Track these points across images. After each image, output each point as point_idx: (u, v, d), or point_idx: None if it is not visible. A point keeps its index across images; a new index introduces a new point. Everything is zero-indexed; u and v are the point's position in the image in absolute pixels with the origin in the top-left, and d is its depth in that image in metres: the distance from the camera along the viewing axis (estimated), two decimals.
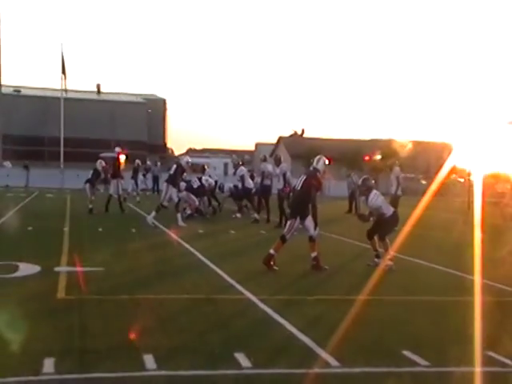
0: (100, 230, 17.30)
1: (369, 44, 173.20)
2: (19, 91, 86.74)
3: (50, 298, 8.52)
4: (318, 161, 12.03)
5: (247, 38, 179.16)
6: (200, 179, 22.09)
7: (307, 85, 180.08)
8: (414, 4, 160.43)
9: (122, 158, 24.19)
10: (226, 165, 59.38)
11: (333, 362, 6.09)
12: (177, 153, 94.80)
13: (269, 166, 21.26)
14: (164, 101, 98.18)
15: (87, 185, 23.11)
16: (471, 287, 9.99)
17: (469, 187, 33.82)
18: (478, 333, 7.07)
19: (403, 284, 10.70)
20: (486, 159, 32.63)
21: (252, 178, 24.09)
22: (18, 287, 9.19)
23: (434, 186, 20.18)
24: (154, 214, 18.36)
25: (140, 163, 34.14)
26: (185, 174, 19.99)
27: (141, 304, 8.40)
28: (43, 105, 79.39)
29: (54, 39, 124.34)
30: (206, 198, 22.70)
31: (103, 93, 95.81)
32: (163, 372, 5.66)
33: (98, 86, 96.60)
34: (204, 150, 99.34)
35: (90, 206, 22.13)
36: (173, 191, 18.63)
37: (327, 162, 12.17)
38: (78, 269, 10.71)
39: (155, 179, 38.37)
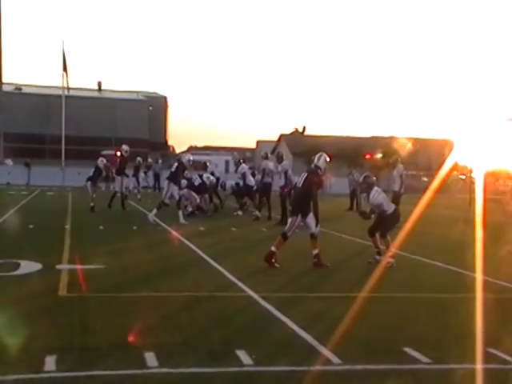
0: (101, 227, 17.31)
1: (369, 41, 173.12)
2: (20, 89, 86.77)
3: (52, 295, 8.53)
4: (319, 158, 12.03)
5: (249, 35, 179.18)
6: (201, 176, 22.08)
7: (308, 82, 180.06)
8: (415, 2, 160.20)
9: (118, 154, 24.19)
10: (227, 162, 59.31)
11: (334, 359, 6.09)
12: (178, 150, 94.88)
13: (270, 164, 21.25)
14: (165, 98, 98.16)
15: (88, 183, 23.12)
16: (472, 284, 9.98)
17: (470, 184, 33.84)
18: (479, 330, 7.07)
19: (404, 281, 10.70)
20: (486, 156, 32.66)
21: (253, 175, 24.09)
22: (19, 285, 9.20)
23: (435, 184, 20.18)
24: (155, 211, 18.37)
25: (141, 161, 34.16)
26: (186, 171, 20.00)
27: (142, 301, 8.41)
28: (44, 102, 79.38)
29: (55, 36, 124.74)
30: (207, 196, 22.69)
31: (104, 90, 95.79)
32: (164, 369, 5.66)
33: (99, 84, 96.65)
34: (205, 148, 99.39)
35: (92, 204, 22.14)
36: (174, 189, 18.64)
37: (328, 159, 12.18)
38: (80, 266, 10.72)
39: (156, 177, 38.38)
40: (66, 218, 19.61)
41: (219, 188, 24.30)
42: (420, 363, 6.12)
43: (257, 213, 20.99)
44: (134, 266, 11.27)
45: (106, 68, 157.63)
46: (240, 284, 9.65)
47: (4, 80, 74.32)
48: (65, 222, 17.99)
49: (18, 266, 10.58)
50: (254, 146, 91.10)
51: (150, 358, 5.89)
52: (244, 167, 22.83)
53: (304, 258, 11.80)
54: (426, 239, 16.39)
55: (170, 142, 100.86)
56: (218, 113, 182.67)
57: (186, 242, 14.40)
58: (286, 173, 19.45)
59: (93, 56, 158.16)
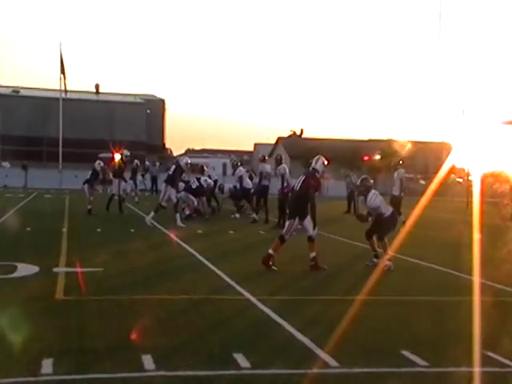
0: (99, 230, 17.29)
1: (366, 44, 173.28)
2: (18, 91, 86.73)
3: (49, 298, 8.51)
4: (317, 161, 12.05)
5: (247, 38, 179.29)
6: (199, 179, 22.08)
7: (306, 85, 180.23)
8: (411, 5, 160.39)
9: (117, 156, 24.16)
10: (224, 165, 59.41)
11: (332, 362, 6.08)
12: (176, 153, 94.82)
13: (267, 167, 21.26)
14: (163, 101, 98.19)
15: (86, 185, 23.07)
16: (470, 287, 9.97)
17: (467, 187, 33.87)
18: (476, 333, 7.07)
19: (402, 284, 10.69)
20: (482, 159, 32.70)
21: (251, 178, 24.10)
22: (16, 288, 9.18)
23: (432, 186, 20.20)
24: (152, 214, 18.36)
25: (139, 163, 34.10)
26: (183, 174, 20.00)
27: (139, 304, 8.40)
28: (42, 105, 79.36)
29: (52, 39, 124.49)
30: (204, 199, 22.68)
31: (102, 93, 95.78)
32: (162, 372, 5.65)
33: (97, 86, 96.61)
34: (203, 151, 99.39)
35: (89, 207, 22.11)
36: (171, 191, 18.63)
37: (326, 162, 12.19)
38: (77, 269, 10.70)
39: (154, 179, 38.33)
40: (63, 220, 19.58)
41: (217, 191, 24.30)
42: (418, 366, 6.12)
43: (254, 215, 20.98)
44: (132, 269, 11.26)
45: (104, 71, 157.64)
46: (237, 287, 9.64)
47: (2, 83, 74.38)
48: (62, 225, 17.96)
49: (14, 268, 10.55)
50: (251, 148, 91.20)
51: (148, 360, 5.88)
52: (241, 170, 22.84)
53: (301, 260, 11.79)
54: (423, 242, 16.39)
55: (167, 145, 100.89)
56: (215, 116, 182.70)
57: (184, 245, 14.39)
58: (282, 176, 19.42)
59: (91, 58, 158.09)
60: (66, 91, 50.13)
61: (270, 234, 16.22)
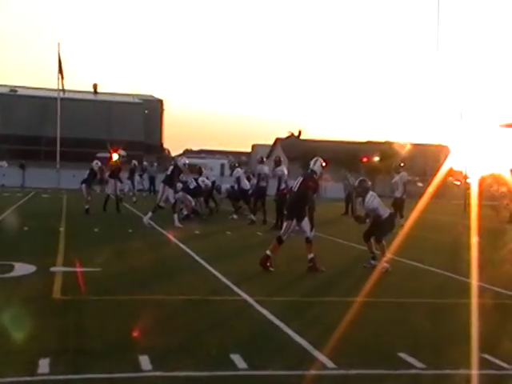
0: (96, 230, 17.27)
1: (365, 47, 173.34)
2: (16, 91, 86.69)
3: (46, 298, 8.50)
4: (315, 163, 12.07)
5: (244, 39, 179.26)
6: (196, 180, 22.07)
7: (305, 87, 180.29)
8: (411, 9, 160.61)
9: (115, 156, 24.15)
10: (222, 166, 59.46)
11: (329, 363, 6.08)
12: (173, 153, 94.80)
13: (265, 168, 21.26)
14: (161, 101, 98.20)
15: (83, 185, 23.06)
16: (467, 290, 9.98)
17: (465, 190, 33.89)
18: (474, 335, 7.07)
19: (399, 286, 10.69)
20: (480, 161, 32.73)
21: (248, 179, 24.07)
22: (13, 287, 9.17)
23: (430, 189, 20.23)
24: (150, 214, 18.34)
25: (137, 163, 34.08)
26: (181, 174, 20.00)
27: (136, 305, 8.39)
28: (40, 105, 79.36)
29: (51, 39, 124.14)
30: (202, 199, 22.67)
31: (100, 93, 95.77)
32: (159, 373, 5.64)
33: (95, 86, 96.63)
34: (201, 151, 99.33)
35: (87, 207, 22.08)
36: (169, 192, 18.62)
37: (324, 164, 12.21)
38: (74, 269, 10.69)
39: (152, 180, 38.29)
40: (60, 220, 19.57)
41: (214, 191, 24.30)
42: (415, 368, 6.12)
43: (252, 216, 20.96)
44: (129, 269, 11.25)
45: (102, 70, 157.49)
46: (235, 288, 9.63)
47: None
48: (59, 225, 17.95)
49: (12, 268, 10.54)
50: (249, 149, 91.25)
51: (145, 361, 5.88)
52: (239, 171, 22.83)
53: (299, 262, 11.78)
54: (421, 244, 16.39)
55: (165, 145, 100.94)
56: (213, 116, 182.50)
57: (181, 246, 14.38)
58: (279, 178, 19.39)
59: (89, 58, 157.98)
60: (63, 91, 50.08)
61: (268, 235, 16.20)
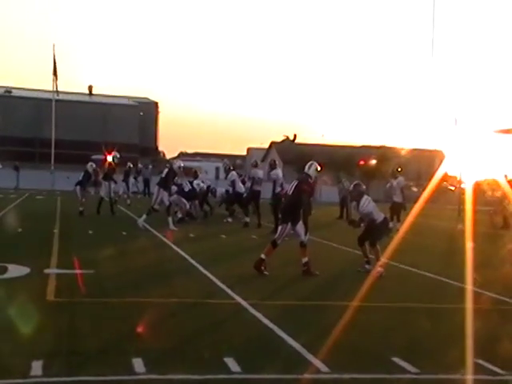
0: (90, 232, 17.24)
1: (359, 52, 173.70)
2: (10, 92, 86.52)
3: (40, 300, 8.47)
4: (310, 166, 12.09)
5: (240, 41, 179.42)
6: (191, 183, 22.07)
7: (300, 91, 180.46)
8: (406, 15, 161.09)
9: (109, 158, 24.13)
10: (217, 169, 59.36)
11: (323, 367, 6.08)
12: (168, 156, 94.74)
13: (259, 172, 21.32)
14: (156, 104, 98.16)
15: (78, 187, 23.04)
16: (461, 295, 10.00)
17: (459, 195, 33.91)
18: (468, 341, 7.08)
19: (394, 291, 10.70)
20: (475, 167, 32.78)
21: (243, 182, 24.06)
22: (6, 289, 9.14)
23: (425, 194, 20.25)
24: (144, 217, 18.32)
25: (132, 166, 34.06)
26: (176, 177, 19.99)
27: (130, 307, 8.37)
28: (35, 106, 79.25)
29: (46, 40, 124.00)
30: (197, 202, 22.66)
31: (95, 95, 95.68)
32: (152, 376, 5.64)
33: (90, 88, 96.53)
34: (196, 154, 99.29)
35: (81, 209, 22.06)
36: (164, 194, 18.61)
37: (319, 168, 12.23)
38: (68, 271, 10.67)
39: (146, 182, 38.27)
40: (54, 222, 19.52)
41: (209, 194, 24.30)
42: (408, 373, 6.12)
43: (246, 219, 21.00)
44: (123, 272, 11.23)
45: (98, 72, 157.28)
46: (229, 291, 9.63)
47: None
48: (53, 226, 17.91)
49: (5, 269, 10.51)
50: (244, 152, 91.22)
51: (138, 363, 5.87)
52: (234, 174, 22.82)
53: (293, 266, 11.78)
54: (415, 249, 16.40)
55: (160, 148, 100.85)
56: (208, 119, 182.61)
57: (176, 248, 14.36)
58: (274, 181, 19.39)
59: (84, 60, 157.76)
60: (57, 92, 50.05)
61: (263, 238, 16.22)
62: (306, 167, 12.15)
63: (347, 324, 7.76)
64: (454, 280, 11.50)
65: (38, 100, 77.93)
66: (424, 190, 21.38)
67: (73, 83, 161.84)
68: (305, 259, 11.46)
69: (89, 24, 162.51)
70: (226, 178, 24.20)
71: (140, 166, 40.87)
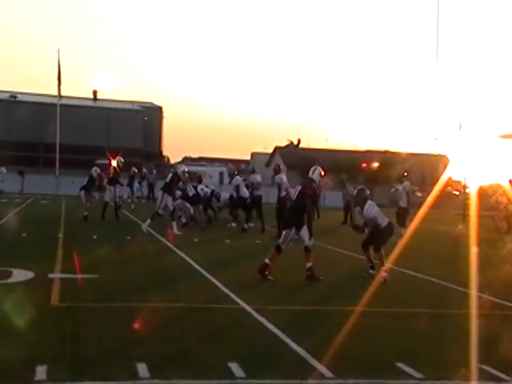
0: (95, 237, 17.25)
1: (362, 56, 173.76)
2: (15, 97, 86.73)
3: (44, 304, 8.49)
4: (314, 171, 12.10)
5: (245, 47, 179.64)
6: (195, 188, 22.09)
7: (305, 95, 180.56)
8: (412, 16, 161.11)
9: (114, 163, 24.17)
10: (221, 173, 59.37)
11: (327, 373, 6.07)
12: (172, 161, 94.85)
13: (257, 177, 21.62)
14: (160, 108, 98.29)
15: (82, 192, 23.07)
16: (466, 300, 9.96)
17: (464, 200, 33.89)
18: (472, 346, 7.05)
19: (398, 296, 10.69)
20: (479, 172, 32.77)
21: (247, 187, 24.09)
22: (11, 293, 9.15)
23: (430, 199, 20.24)
24: (149, 221, 18.34)
25: (136, 171, 34.10)
26: (180, 182, 20.01)
27: (134, 312, 8.36)
28: (39, 111, 79.42)
29: (51, 45, 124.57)
30: (201, 207, 22.68)
31: (100, 99, 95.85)
32: (156, 381, 5.63)
33: (95, 93, 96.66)
34: (200, 159, 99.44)
35: (85, 213, 22.09)
36: (168, 199, 18.63)
37: (323, 172, 12.24)
38: (72, 276, 10.68)
39: (150, 187, 38.29)
40: (59, 226, 19.56)
41: (213, 199, 24.32)
42: (412, 379, 6.11)
43: (245, 225, 21.11)
44: (127, 276, 11.24)
45: (102, 77, 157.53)
46: (233, 296, 9.62)
47: None
48: (58, 231, 17.94)
49: (10, 274, 10.53)
50: (248, 157, 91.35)
51: (142, 368, 5.87)
52: (238, 179, 22.86)
53: (297, 271, 11.77)
54: (420, 254, 16.37)
55: (164, 153, 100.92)
56: (213, 124, 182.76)
57: (180, 253, 14.37)
58: (279, 185, 19.44)
59: (89, 65, 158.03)
60: (60, 97, 50.17)
61: (267, 243, 16.22)
62: (310, 172, 12.16)
63: (351, 329, 7.74)
64: (459, 285, 11.47)
65: (42, 105, 78.07)
66: (428, 194, 21.38)
67: (78, 88, 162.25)
68: (309, 264, 11.45)
69: (93, 29, 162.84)
70: (230, 182, 24.24)
71: (144, 170, 40.89)
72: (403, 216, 20.72)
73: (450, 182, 41.78)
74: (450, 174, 36.29)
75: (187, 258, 13.55)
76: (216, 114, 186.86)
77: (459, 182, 43.62)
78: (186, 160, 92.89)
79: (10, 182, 43.34)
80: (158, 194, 19.76)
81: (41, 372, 5.67)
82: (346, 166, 54.12)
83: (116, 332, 7.33)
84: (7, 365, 5.92)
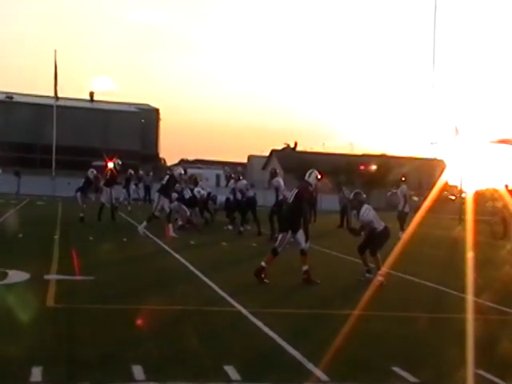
0: (91, 238, 17.23)
1: (359, 60, 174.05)
2: (12, 97, 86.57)
3: (39, 306, 8.47)
4: (310, 174, 12.12)
5: (241, 50, 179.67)
6: (192, 190, 22.09)
7: (301, 98, 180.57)
8: (409, 20, 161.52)
9: (110, 165, 24.16)
10: (218, 176, 59.37)
11: (322, 376, 6.06)
12: (169, 163, 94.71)
13: (243, 182, 22.32)
14: (157, 110, 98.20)
15: (79, 193, 23.06)
16: (462, 305, 9.97)
17: (460, 204, 33.95)
18: (468, 351, 7.05)
19: (394, 300, 10.69)
20: (476, 176, 32.85)
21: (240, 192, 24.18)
22: (6, 294, 9.12)
23: (426, 203, 20.27)
24: (145, 223, 18.33)
25: (133, 172, 34.08)
26: (177, 184, 20.02)
27: (130, 314, 8.35)
28: (36, 112, 79.29)
29: (47, 46, 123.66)
30: (197, 210, 22.69)
31: (96, 101, 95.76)
32: (152, 383, 5.62)
33: (92, 94, 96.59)
34: (196, 161, 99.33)
35: (81, 215, 22.07)
36: (165, 201, 18.62)
37: (319, 176, 12.25)
38: (68, 277, 10.67)
39: (147, 189, 38.31)
40: (55, 228, 19.52)
41: (210, 202, 24.32)
42: (408, 383, 6.11)
43: (241, 228, 21.17)
44: (123, 278, 11.23)
45: (99, 79, 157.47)
46: (229, 299, 9.62)
47: None
48: (54, 233, 17.91)
49: (5, 275, 10.51)
50: (245, 160, 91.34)
51: (138, 371, 5.86)
52: (243, 183, 22.96)
53: (294, 274, 11.78)
54: (416, 258, 16.38)
55: (161, 155, 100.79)
56: (210, 126, 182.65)
57: (176, 256, 14.36)
58: (276, 188, 19.47)
59: (86, 66, 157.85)
60: (57, 98, 50.16)
61: (263, 246, 16.22)
62: (307, 175, 12.18)
63: (348, 333, 7.73)
64: (455, 290, 11.49)
65: (39, 106, 77.95)
66: (425, 199, 21.40)
67: (74, 89, 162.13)
68: (305, 267, 11.45)
69: (90, 30, 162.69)
70: (226, 185, 24.30)
71: (141, 172, 40.91)
72: (403, 220, 20.82)
73: (446, 187, 41.86)
74: (446, 178, 36.30)
75: (183, 261, 13.54)
76: (213, 117, 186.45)
77: (455, 187, 43.71)
78: (183, 162, 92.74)
79: (5, 183, 43.23)
80: (155, 196, 19.77)
81: (36, 373, 5.66)
82: (342, 169, 54.19)
83: (111, 334, 7.32)
84: (3, 365, 5.91)
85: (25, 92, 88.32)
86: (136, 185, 37.62)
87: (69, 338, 7.01)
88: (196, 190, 22.48)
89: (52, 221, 22.05)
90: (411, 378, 6.19)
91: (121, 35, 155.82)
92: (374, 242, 12.05)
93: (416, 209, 19.74)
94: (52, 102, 50.17)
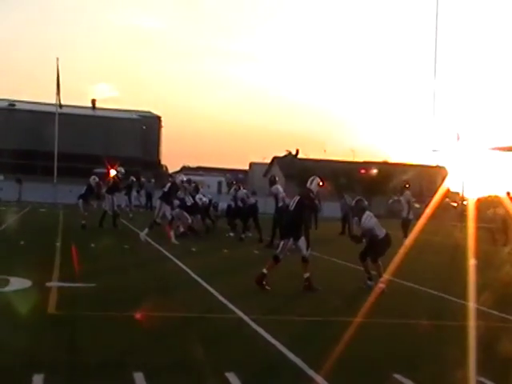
0: (92, 245, 17.24)
1: (361, 68, 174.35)
2: (14, 105, 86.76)
3: (41, 313, 8.47)
4: (312, 181, 12.12)
5: (242, 55, 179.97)
6: (194, 197, 22.12)
7: (304, 105, 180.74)
8: (411, 25, 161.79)
9: (112, 172, 24.21)
10: (219, 183, 59.48)
11: (323, 383, 6.06)
12: (171, 170, 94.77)
13: (243, 192, 22.47)
14: (159, 118, 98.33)
15: (80, 200, 23.09)
16: (463, 312, 9.97)
17: (462, 211, 33.89)
18: (470, 358, 7.05)
19: (395, 307, 10.68)
20: (477, 184, 32.84)
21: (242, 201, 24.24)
22: (8, 301, 9.12)
23: (428, 210, 20.27)
24: (146, 230, 18.35)
25: (134, 179, 34.13)
26: (179, 191, 20.06)
27: (131, 321, 8.36)
28: (38, 119, 79.37)
29: (50, 53, 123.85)
30: (199, 216, 22.71)
31: (98, 108, 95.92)
32: None
33: (93, 102, 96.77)
34: (198, 168, 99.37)
35: (83, 222, 22.08)
36: (166, 208, 18.65)
37: (321, 183, 12.25)
38: (70, 284, 10.67)
39: (149, 196, 38.35)
40: (56, 235, 19.53)
41: (211, 209, 24.36)
42: None
43: (242, 234, 21.21)
44: (125, 285, 11.22)
45: (101, 86, 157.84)
46: (230, 305, 9.62)
47: None
48: (56, 240, 17.91)
49: (7, 282, 10.51)
50: (247, 167, 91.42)
51: (139, 378, 5.85)
52: (243, 192, 23.03)
53: (295, 281, 11.77)
54: (418, 266, 16.37)
55: (162, 162, 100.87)
56: (211, 133, 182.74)
57: (177, 262, 14.36)
58: (275, 196, 19.50)
59: (87, 74, 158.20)
60: (60, 105, 50.27)
61: (264, 253, 16.21)
62: (308, 182, 12.18)
63: (349, 340, 7.73)
64: (457, 297, 11.47)
65: (41, 113, 78.07)
66: (427, 206, 21.41)
67: (76, 97, 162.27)
68: (306, 274, 11.44)
69: (92, 38, 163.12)
70: (228, 192, 24.36)
71: (142, 179, 40.95)
72: (406, 226, 20.85)
73: (448, 194, 41.83)
74: (448, 185, 36.31)
75: (185, 267, 13.54)
76: (215, 124, 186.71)
77: (457, 194, 43.69)
78: (185, 169, 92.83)
79: (7, 190, 43.34)
80: (156, 203, 19.79)
81: (37, 380, 5.65)
82: (344, 176, 54.28)
83: (113, 341, 7.31)
84: (4, 373, 5.91)
85: (27, 99, 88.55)
86: (138, 192, 37.66)
87: (70, 345, 7.02)
88: (198, 196, 22.52)
89: (54, 228, 22.07)
90: None
91: (123, 42, 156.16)
92: (376, 249, 12.05)
93: (418, 216, 19.76)
94: (54, 109, 50.25)
